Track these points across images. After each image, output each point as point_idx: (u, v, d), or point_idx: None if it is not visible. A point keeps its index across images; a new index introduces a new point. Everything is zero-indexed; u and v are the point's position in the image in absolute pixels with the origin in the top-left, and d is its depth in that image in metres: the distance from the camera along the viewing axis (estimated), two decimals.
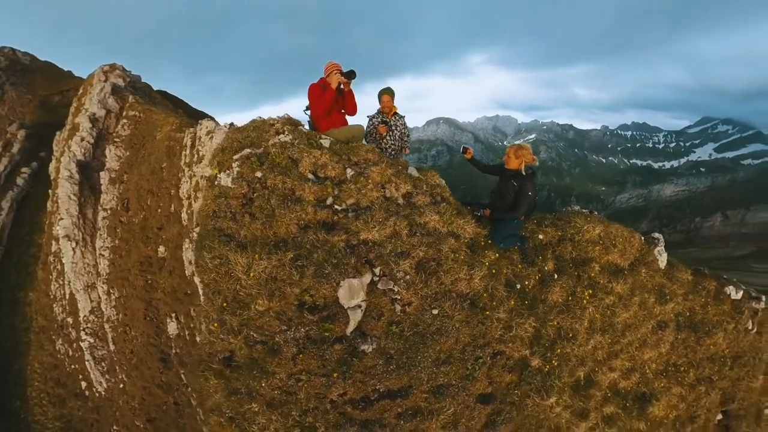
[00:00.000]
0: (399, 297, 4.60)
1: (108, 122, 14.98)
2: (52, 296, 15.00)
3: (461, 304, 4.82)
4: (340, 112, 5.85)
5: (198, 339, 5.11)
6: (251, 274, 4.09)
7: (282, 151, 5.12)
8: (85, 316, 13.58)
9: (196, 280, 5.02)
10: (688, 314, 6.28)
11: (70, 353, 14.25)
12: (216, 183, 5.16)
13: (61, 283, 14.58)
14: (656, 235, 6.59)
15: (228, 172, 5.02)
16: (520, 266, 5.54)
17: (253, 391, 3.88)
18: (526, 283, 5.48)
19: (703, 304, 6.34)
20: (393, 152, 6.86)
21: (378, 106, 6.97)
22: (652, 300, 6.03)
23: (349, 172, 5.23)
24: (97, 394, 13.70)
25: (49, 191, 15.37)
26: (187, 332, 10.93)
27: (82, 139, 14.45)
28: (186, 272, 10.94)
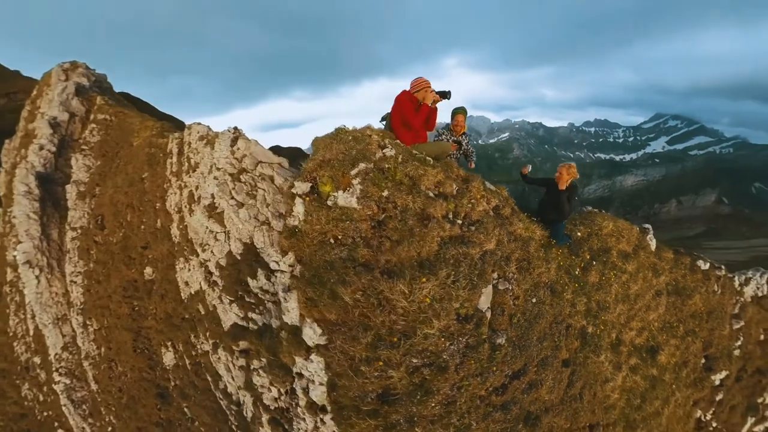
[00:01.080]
0: (512, 293, 5.50)
1: (72, 127, 13.66)
2: (11, 333, 13.53)
3: (546, 291, 6.11)
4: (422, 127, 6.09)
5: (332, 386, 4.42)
6: (416, 299, 4.17)
7: (401, 168, 5.00)
8: (56, 354, 12.26)
9: (308, 320, 4.43)
10: (674, 283, 7.87)
11: (41, 398, 12.90)
12: (334, 203, 4.60)
13: (23, 317, 13.13)
14: (647, 225, 8.11)
15: (350, 190, 4.58)
16: (571, 258, 7.01)
17: (414, 416, 4.12)
18: (576, 270, 6.98)
19: (683, 274, 7.98)
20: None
21: (447, 122, 7.15)
22: (650, 275, 7.59)
23: (455, 187, 5.52)
24: None
25: None
26: (188, 361, 10.10)
27: (41, 148, 13.03)
28: (182, 295, 10.34)
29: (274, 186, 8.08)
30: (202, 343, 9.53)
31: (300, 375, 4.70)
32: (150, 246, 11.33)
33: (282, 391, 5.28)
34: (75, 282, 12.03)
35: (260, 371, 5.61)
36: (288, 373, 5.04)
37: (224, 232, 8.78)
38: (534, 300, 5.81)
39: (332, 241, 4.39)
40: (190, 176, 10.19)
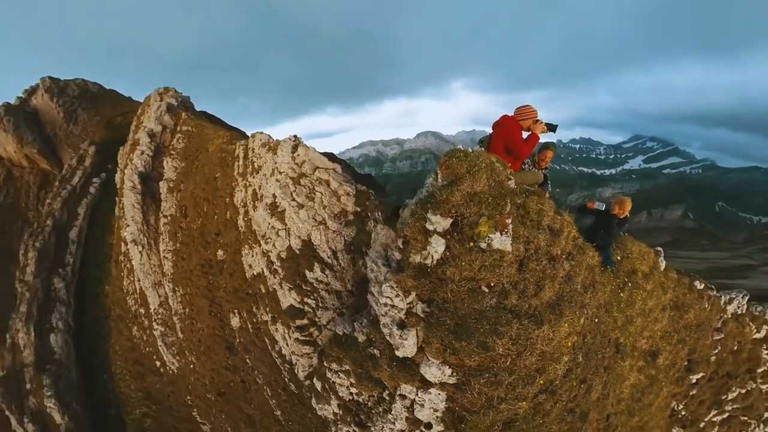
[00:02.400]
0: (586, 315, 4.99)
1: (164, 137, 13.87)
2: (125, 290, 14.28)
3: (602, 311, 5.89)
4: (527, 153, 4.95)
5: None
6: (555, 342, 3.64)
7: (532, 205, 4.11)
8: (155, 308, 12.80)
9: (435, 361, 3.52)
10: (675, 300, 7.65)
11: (144, 338, 13.76)
12: (488, 246, 3.38)
13: (132, 279, 13.76)
14: (659, 249, 7.85)
15: (506, 232, 3.46)
16: (615, 280, 6.66)
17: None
18: (620, 292, 6.67)
19: (683, 293, 7.75)
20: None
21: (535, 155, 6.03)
22: (660, 292, 7.37)
23: (559, 222, 4.68)
24: (170, 372, 13.29)
25: (116, 198, 14.44)
26: (250, 326, 10.23)
27: (142, 153, 13.36)
28: (246, 275, 10.24)
29: (330, 190, 7.70)
30: (262, 314, 9.44)
31: (403, 396, 3.99)
32: (221, 233, 11.33)
33: (368, 395, 4.68)
34: (167, 257, 12.34)
35: (340, 374, 4.95)
36: (379, 385, 4.37)
37: (285, 229, 8.40)
38: (597, 320, 5.57)
39: (485, 289, 3.40)
40: (253, 177, 9.99)
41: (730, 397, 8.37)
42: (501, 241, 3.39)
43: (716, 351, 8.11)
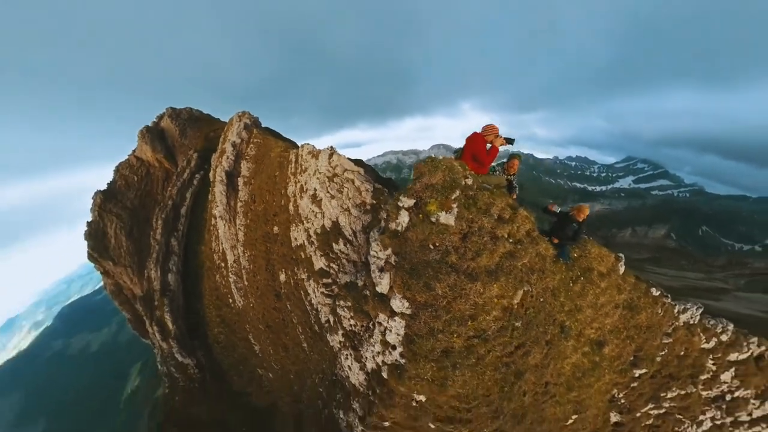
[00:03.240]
0: (531, 293, 4.89)
1: (242, 147, 15.09)
2: (213, 250, 15.57)
3: (549, 294, 5.58)
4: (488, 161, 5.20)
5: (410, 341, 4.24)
6: (486, 296, 3.90)
7: (483, 197, 4.54)
8: (231, 263, 13.95)
9: (398, 295, 4.12)
10: (629, 301, 7.00)
11: (223, 283, 14.99)
12: (437, 220, 4.18)
13: (218, 243, 15.09)
14: (621, 255, 7.26)
15: (450, 212, 4.21)
16: (568, 272, 6.30)
17: (459, 364, 4.07)
18: (570, 282, 6.27)
19: (638, 296, 7.09)
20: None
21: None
22: (615, 292, 6.83)
23: (509, 213, 4.92)
24: (237, 306, 14.46)
25: (210, 188, 15.81)
26: (292, 281, 11.09)
27: (227, 158, 14.67)
28: (292, 245, 11.10)
29: (354, 186, 8.28)
30: (301, 273, 10.28)
31: (380, 324, 4.52)
32: (277, 214, 12.21)
33: (360, 324, 5.16)
34: (240, 229, 13.46)
35: (345, 309, 5.48)
36: (367, 317, 4.95)
37: (321, 213, 9.01)
38: (542, 299, 5.46)
39: (431, 246, 4.01)
40: (301, 176, 10.77)
41: (669, 396, 7.53)
42: (446, 218, 4.07)
43: (663, 353, 7.31)
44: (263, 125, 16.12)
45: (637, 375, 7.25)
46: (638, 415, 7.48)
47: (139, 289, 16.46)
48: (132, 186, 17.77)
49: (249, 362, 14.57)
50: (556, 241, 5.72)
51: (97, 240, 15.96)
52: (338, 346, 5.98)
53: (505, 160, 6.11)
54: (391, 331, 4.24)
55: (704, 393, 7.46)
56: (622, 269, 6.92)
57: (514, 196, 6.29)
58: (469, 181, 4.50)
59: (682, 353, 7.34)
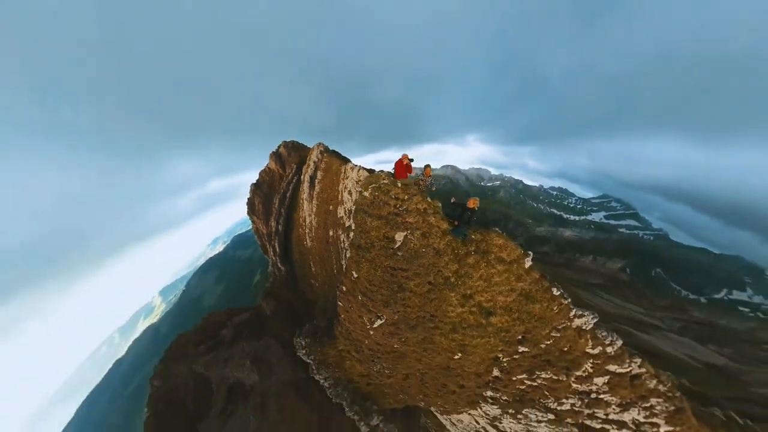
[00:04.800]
0: (413, 242, 5.14)
1: (318, 163, 15.41)
2: (299, 216, 16.75)
3: (431, 249, 5.50)
4: (405, 174, 6.01)
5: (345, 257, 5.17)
6: (377, 228, 4.78)
7: (385, 186, 5.60)
8: (307, 224, 15.40)
9: (353, 223, 5.38)
10: (527, 290, 5.87)
11: (302, 233, 16.10)
12: (366, 194, 5.64)
13: (302, 212, 16.08)
14: (530, 253, 6.06)
15: (369, 192, 5.70)
16: (460, 245, 5.87)
17: (363, 256, 4.93)
18: (459, 250, 5.82)
19: (537, 290, 5.93)
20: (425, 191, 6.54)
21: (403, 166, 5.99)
22: (513, 278, 5.80)
23: (406, 197, 5.56)
24: (307, 246, 15.02)
25: (300, 187, 17.18)
26: (335, 235, 11.78)
27: (310, 168, 15.54)
28: (338, 216, 11.81)
29: None
30: (340, 232, 11.00)
31: (347, 236, 5.60)
32: (332, 200, 12.60)
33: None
34: (313, 206, 14.65)
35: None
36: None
37: (351, 200, 9.85)
38: (423, 250, 5.43)
39: (363, 205, 5.04)
40: (345, 180, 11.33)
41: (543, 376, 6.26)
42: (369, 194, 5.22)
43: (548, 342, 5.95)
44: (331, 148, 16.91)
45: (520, 350, 6.22)
46: (514, 378, 6.57)
47: (265, 231, 19.62)
48: (265, 181, 20.89)
49: (308, 275, 16.19)
50: (456, 223, 5.61)
51: (251, 206, 19.74)
52: (345, 263, 6.76)
53: (422, 166, 6.08)
54: (349, 238, 5.50)
55: (574, 385, 6.10)
56: (527, 264, 5.82)
57: (434, 189, 6.38)
58: (384, 181, 5.54)
59: (566, 349, 5.97)
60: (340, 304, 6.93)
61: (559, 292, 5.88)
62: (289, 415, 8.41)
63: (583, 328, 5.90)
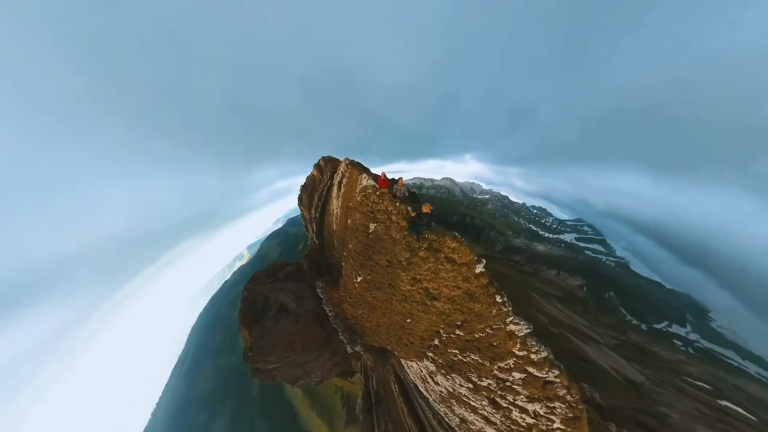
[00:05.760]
0: (377, 230, 5.33)
1: (344, 172, 13.70)
2: (331, 207, 14.88)
3: (390, 238, 5.49)
4: (384, 185, 6.45)
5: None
6: (359, 218, 4.59)
7: (369, 193, 6.05)
8: (334, 214, 13.74)
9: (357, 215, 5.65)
10: (472, 291, 5.40)
11: (331, 220, 14.41)
12: (357, 198, 6.20)
13: (331, 205, 14.66)
14: (483, 259, 5.35)
15: (359, 196, 6.36)
16: (415, 240, 5.78)
17: (350, 236, 4.36)
18: (416, 245, 5.71)
19: (482, 293, 5.38)
20: (400, 198, 6.73)
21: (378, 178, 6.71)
22: (460, 278, 5.42)
23: (380, 200, 5.91)
24: (333, 229, 13.82)
25: (331, 189, 15.36)
26: (353, 222, 10.58)
27: (339, 176, 14.11)
28: (360, 212, 10.95)
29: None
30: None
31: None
32: (352, 198, 11.26)
33: None
34: (340, 202, 13.41)
35: None
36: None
37: None
38: (384, 237, 5.56)
39: (355, 198, 4.96)
40: (362, 184, 10.06)
41: (471, 356, 5.87)
42: (360, 197, 5.11)
43: (482, 335, 5.56)
44: (356, 159, 14.87)
45: (457, 333, 5.93)
46: (449, 351, 6.30)
47: (307, 216, 19.84)
48: (309, 183, 20.38)
49: (331, 248, 15.71)
50: (414, 214, 5.74)
51: (300, 199, 20.12)
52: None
53: (397, 178, 6.58)
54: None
55: (495, 371, 5.67)
56: (478, 270, 5.31)
57: (407, 194, 6.41)
58: (369, 190, 6.12)
59: (495, 344, 5.51)
60: (343, 264, 8.03)
61: (501, 300, 5.34)
62: (310, 328, 11.07)
63: (516, 333, 5.43)
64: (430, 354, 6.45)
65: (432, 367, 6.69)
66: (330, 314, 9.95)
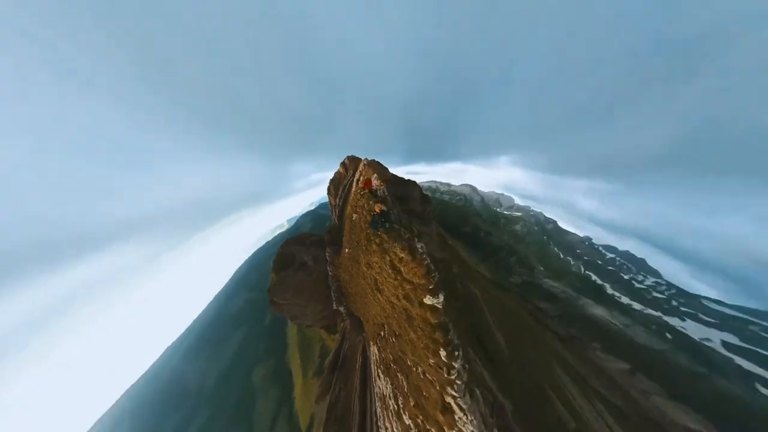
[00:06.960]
0: (357, 223, 5.17)
1: (364, 171, 12.54)
2: (352, 203, 11.39)
3: (361, 232, 5.32)
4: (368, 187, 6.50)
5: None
6: (348, 213, 4.35)
7: (358, 192, 5.99)
8: (350, 207, 10.78)
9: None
10: (413, 317, 4.44)
11: (350, 211, 10.76)
12: (357, 191, 6.70)
13: (351, 203, 11.50)
14: (441, 295, 3.98)
15: (353, 194, 6.77)
16: (372, 234, 5.35)
17: (345, 225, 3.95)
18: (373, 237, 5.28)
19: (424, 329, 4.29)
20: (381, 196, 6.58)
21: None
22: (402, 294, 4.59)
23: (362, 199, 6.02)
24: (347, 215, 11.41)
25: (352, 184, 14.60)
26: (362, 215, 7.86)
27: (360, 173, 12.73)
28: (351, 205, 10.50)
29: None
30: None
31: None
32: (364, 194, 8.83)
33: None
34: (354, 198, 10.66)
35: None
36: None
37: None
38: (357, 224, 5.60)
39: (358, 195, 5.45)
40: (360, 183, 10.31)
41: (399, 376, 5.07)
42: (356, 194, 5.03)
43: (413, 367, 4.77)
44: (375, 159, 14.64)
45: (393, 340, 5.31)
46: (387, 350, 5.76)
47: (333, 204, 16.77)
48: (336, 177, 18.10)
49: (343, 228, 14.92)
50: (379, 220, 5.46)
51: (329, 190, 19.21)
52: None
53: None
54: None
55: (419, 420, 4.46)
56: (427, 300, 4.04)
57: (386, 195, 6.39)
58: (359, 190, 6.43)
59: (425, 395, 4.44)
60: (345, 237, 9.13)
61: (458, 364, 3.72)
62: (317, 283, 12.64)
63: (454, 411, 3.78)
64: (378, 342, 5.89)
65: (377, 355, 5.99)
66: (330, 274, 11.13)
